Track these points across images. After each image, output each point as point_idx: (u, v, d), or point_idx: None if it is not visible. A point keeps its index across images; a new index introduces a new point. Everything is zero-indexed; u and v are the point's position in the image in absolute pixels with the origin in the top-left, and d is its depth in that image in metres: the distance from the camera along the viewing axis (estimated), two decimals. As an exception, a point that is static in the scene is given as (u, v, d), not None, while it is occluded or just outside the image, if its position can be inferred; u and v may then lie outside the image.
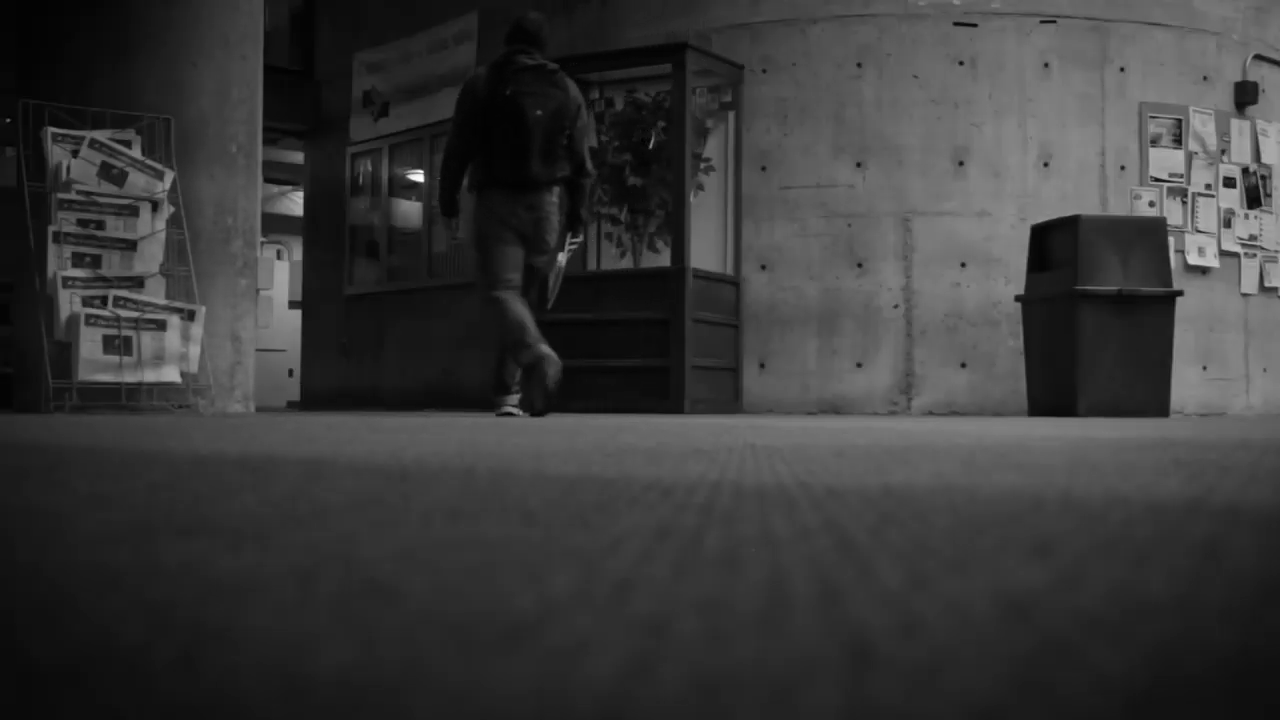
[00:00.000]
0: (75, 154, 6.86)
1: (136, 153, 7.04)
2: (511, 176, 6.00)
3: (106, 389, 6.81)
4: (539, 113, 5.94)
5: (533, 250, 6.18)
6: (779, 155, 8.93)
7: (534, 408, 5.97)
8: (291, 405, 13.34)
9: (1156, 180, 9.02)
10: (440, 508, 1.13)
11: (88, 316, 6.70)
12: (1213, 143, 9.24)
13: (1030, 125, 8.76)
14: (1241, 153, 9.39)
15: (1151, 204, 8.97)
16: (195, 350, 7.04)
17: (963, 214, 8.69)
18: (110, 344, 6.76)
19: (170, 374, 6.95)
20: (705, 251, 8.78)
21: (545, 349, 5.94)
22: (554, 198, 6.16)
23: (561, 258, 6.41)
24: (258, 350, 8.04)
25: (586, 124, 6.42)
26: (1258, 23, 9.55)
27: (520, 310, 6.11)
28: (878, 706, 0.41)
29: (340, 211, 12.37)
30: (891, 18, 8.78)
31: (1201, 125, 9.18)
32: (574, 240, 6.47)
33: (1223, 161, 9.28)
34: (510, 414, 6.18)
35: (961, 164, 8.69)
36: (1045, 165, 8.78)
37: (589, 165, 6.30)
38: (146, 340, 6.84)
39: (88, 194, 6.87)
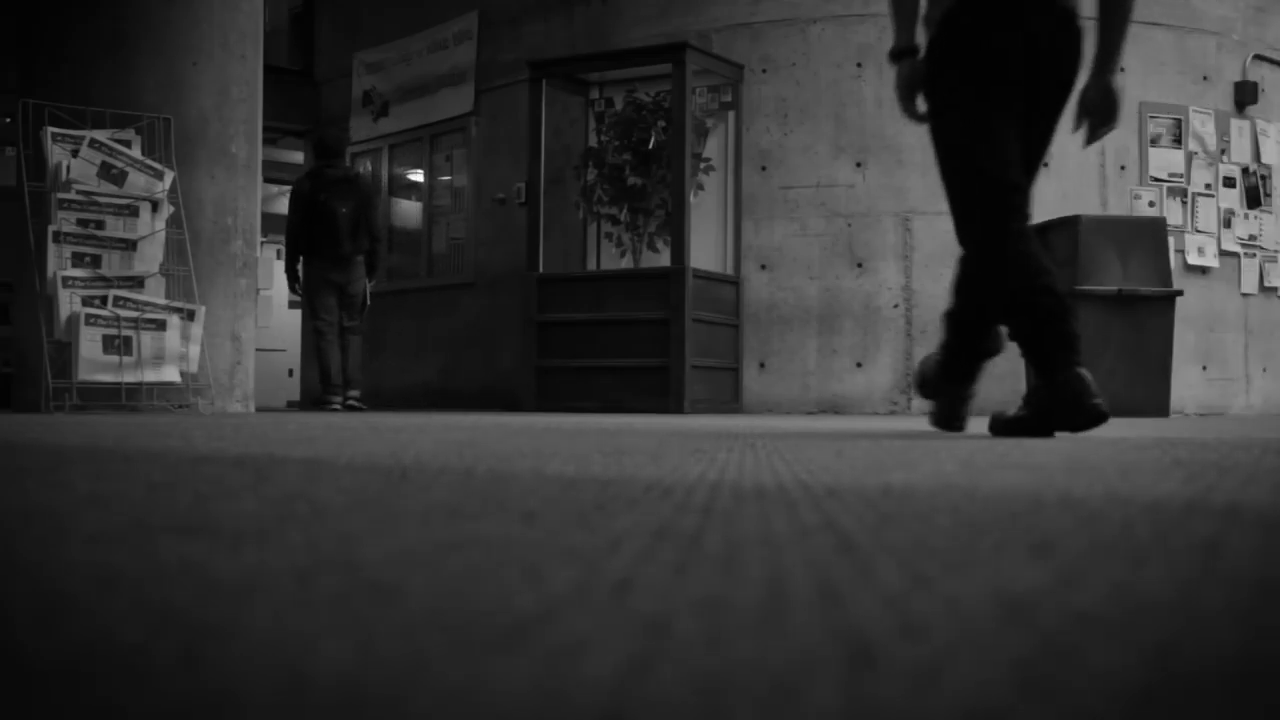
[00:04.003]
0: (75, 154, 6.86)
1: (136, 153, 7.04)
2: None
3: (106, 389, 6.81)
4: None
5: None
6: (779, 155, 8.93)
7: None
8: (291, 405, 13.33)
9: (1156, 180, 9.02)
10: (440, 508, 1.13)
11: (88, 316, 6.70)
12: (1213, 143, 9.24)
13: (1030, 125, 8.75)
14: (1241, 153, 9.39)
15: (1151, 204, 8.97)
16: (195, 350, 7.04)
17: (963, 214, 8.69)
18: (110, 344, 6.76)
19: (170, 374, 6.95)
20: (705, 251, 8.79)
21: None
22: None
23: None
24: (258, 350, 8.04)
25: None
26: (1258, 23, 9.55)
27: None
28: (878, 706, 0.41)
29: (340, 211, 12.37)
30: (891, 18, 8.77)
31: (1201, 125, 9.18)
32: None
33: (1223, 161, 9.28)
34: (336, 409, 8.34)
35: (961, 164, 8.68)
36: (1045, 165, 8.77)
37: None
38: (146, 340, 6.84)
39: (88, 194, 6.87)
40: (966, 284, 3.41)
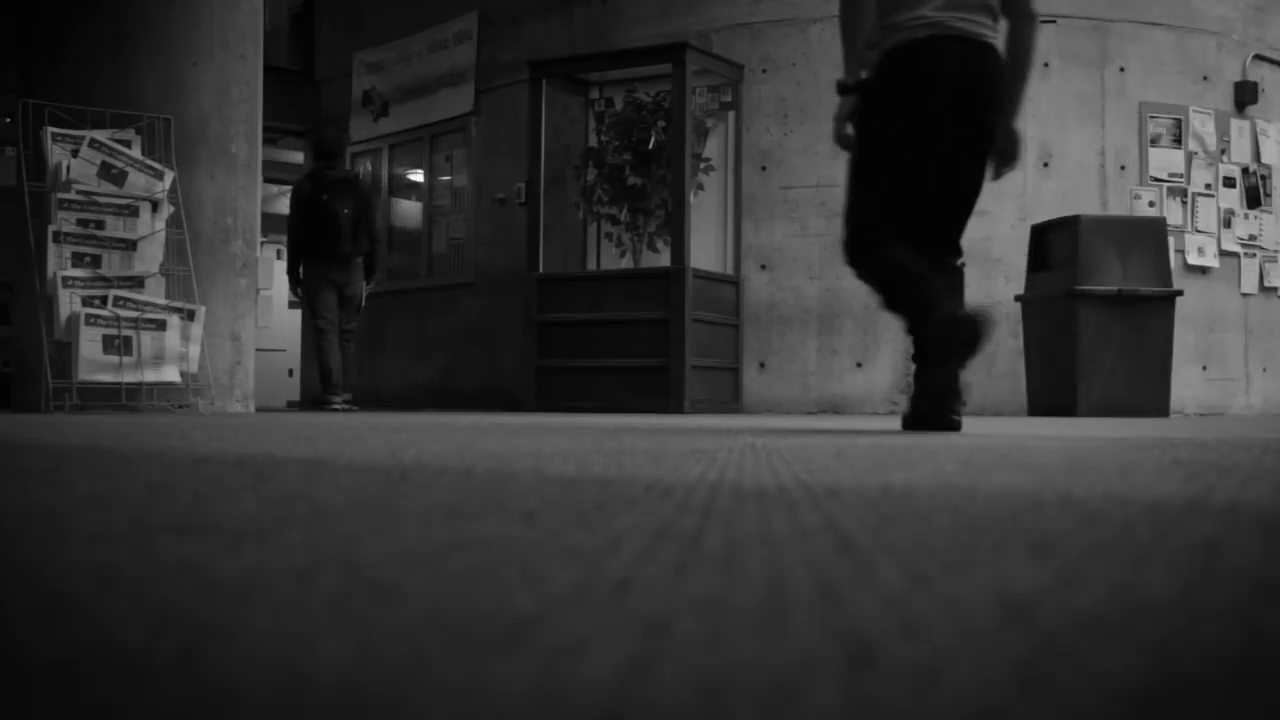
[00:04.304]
0: (75, 154, 6.86)
1: (136, 153, 7.04)
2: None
3: (106, 389, 6.81)
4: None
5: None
6: (779, 155, 8.93)
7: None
8: (291, 405, 13.33)
9: (1156, 180, 9.02)
10: (440, 508, 1.13)
11: (88, 316, 6.70)
12: (1213, 143, 9.24)
13: (1030, 125, 8.76)
14: (1241, 153, 9.39)
15: (1151, 204, 8.97)
16: (195, 350, 7.04)
17: (963, 214, 8.69)
18: (110, 344, 6.76)
19: (170, 374, 6.95)
20: (705, 251, 8.79)
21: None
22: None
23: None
24: (258, 350, 8.04)
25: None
26: (1258, 23, 9.55)
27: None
28: (878, 706, 0.41)
29: (340, 211, 12.38)
30: (891, 18, 8.78)
31: (1201, 125, 9.18)
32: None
33: (1223, 161, 9.28)
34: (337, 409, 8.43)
35: (961, 164, 8.68)
36: (1045, 165, 8.78)
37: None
38: (146, 340, 6.84)
39: (88, 194, 6.87)
40: (899, 295, 3.75)
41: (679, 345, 8.18)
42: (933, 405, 3.68)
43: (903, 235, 3.69)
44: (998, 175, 3.91)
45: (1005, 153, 3.85)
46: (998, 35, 3.75)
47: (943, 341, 3.46)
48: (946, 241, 3.82)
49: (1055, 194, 8.74)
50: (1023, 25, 3.80)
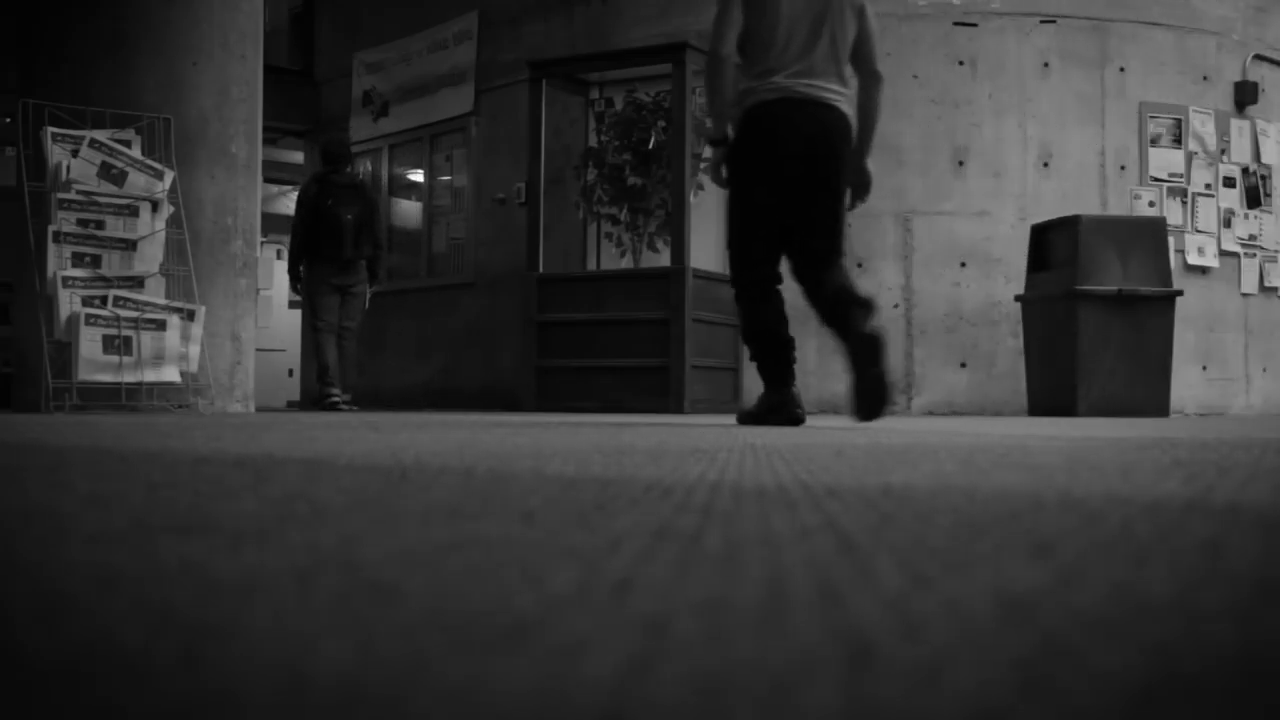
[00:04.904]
0: (75, 154, 6.86)
1: (136, 153, 7.04)
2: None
3: (106, 389, 6.81)
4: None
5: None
6: (779, 155, 8.93)
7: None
8: (291, 405, 13.33)
9: (1156, 180, 9.02)
10: (440, 508, 1.13)
11: (87, 316, 6.70)
12: (1213, 143, 9.24)
13: (1030, 125, 8.76)
14: (1241, 153, 9.39)
15: (1151, 204, 8.97)
16: (195, 350, 7.04)
17: (962, 214, 8.70)
18: (110, 344, 6.76)
19: (170, 374, 6.95)
20: (705, 251, 8.78)
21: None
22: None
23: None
24: (258, 350, 8.05)
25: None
26: (1258, 23, 9.55)
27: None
28: (878, 706, 0.41)
29: (340, 211, 12.38)
30: (891, 17, 8.78)
31: (1201, 125, 9.18)
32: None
33: (1223, 161, 9.29)
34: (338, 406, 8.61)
35: (961, 164, 8.69)
36: (1045, 165, 8.78)
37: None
38: (146, 340, 6.84)
39: (88, 194, 6.87)
40: (748, 318, 4.67)
41: (679, 345, 8.18)
42: (779, 405, 4.68)
43: (776, 259, 4.55)
44: (853, 206, 4.65)
45: (858, 186, 4.58)
46: (843, 97, 4.42)
47: (861, 354, 4.28)
48: (823, 259, 4.47)
49: (1055, 194, 8.74)
50: (869, 83, 4.49)
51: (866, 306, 4.35)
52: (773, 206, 4.43)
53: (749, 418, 4.70)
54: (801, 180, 4.38)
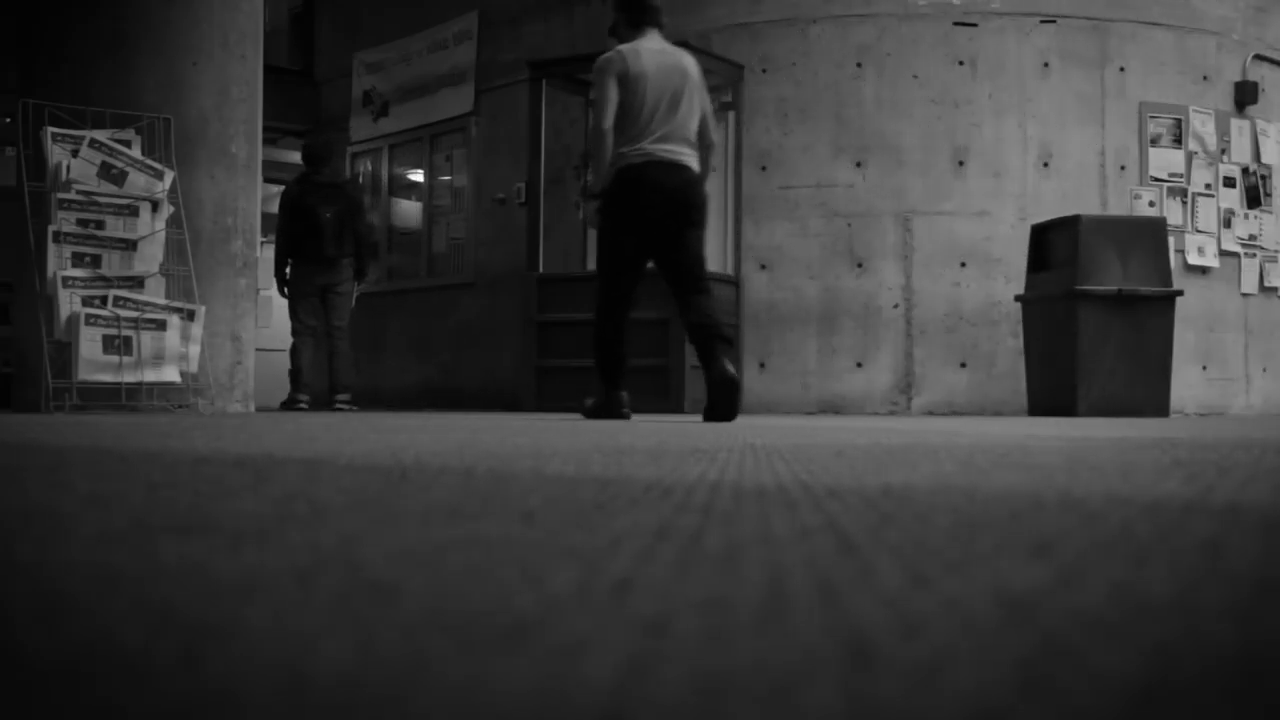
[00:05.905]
0: (75, 154, 6.86)
1: (136, 153, 7.04)
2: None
3: (106, 389, 6.81)
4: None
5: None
6: (779, 155, 8.93)
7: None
8: (284, 406, 13.30)
9: (1156, 180, 9.02)
10: (440, 508, 1.13)
11: (87, 316, 6.70)
12: (1213, 143, 9.24)
13: (1030, 125, 8.76)
14: (1241, 153, 9.39)
15: (1151, 204, 8.97)
16: (195, 350, 7.04)
17: (962, 214, 8.70)
18: (110, 344, 6.76)
19: (170, 374, 6.95)
20: (705, 251, 8.78)
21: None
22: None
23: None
24: (258, 350, 8.04)
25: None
26: (1258, 23, 9.55)
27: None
28: (878, 706, 0.41)
29: (340, 211, 12.37)
30: (891, 17, 8.78)
31: (1201, 125, 9.18)
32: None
33: (1223, 161, 9.28)
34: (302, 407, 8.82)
35: (961, 164, 8.69)
36: (1045, 165, 8.78)
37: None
38: (146, 340, 6.84)
39: (88, 194, 6.87)
40: (600, 332, 5.61)
41: (679, 345, 8.17)
42: (614, 406, 5.62)
43: (632, 295, 5.55)
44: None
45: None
46: (694, 158, 5.56)
47: (717, 390, 5.22)
48: (690, 285, 5.47)
49: (1055, 194, 8.74)
50: (704, 151, 5.67)
51: (729, 341, 5.43)
52: (636, 254, 5.51)
53: (589, 413, 5.66)
54: (666, 224, 5.45)
